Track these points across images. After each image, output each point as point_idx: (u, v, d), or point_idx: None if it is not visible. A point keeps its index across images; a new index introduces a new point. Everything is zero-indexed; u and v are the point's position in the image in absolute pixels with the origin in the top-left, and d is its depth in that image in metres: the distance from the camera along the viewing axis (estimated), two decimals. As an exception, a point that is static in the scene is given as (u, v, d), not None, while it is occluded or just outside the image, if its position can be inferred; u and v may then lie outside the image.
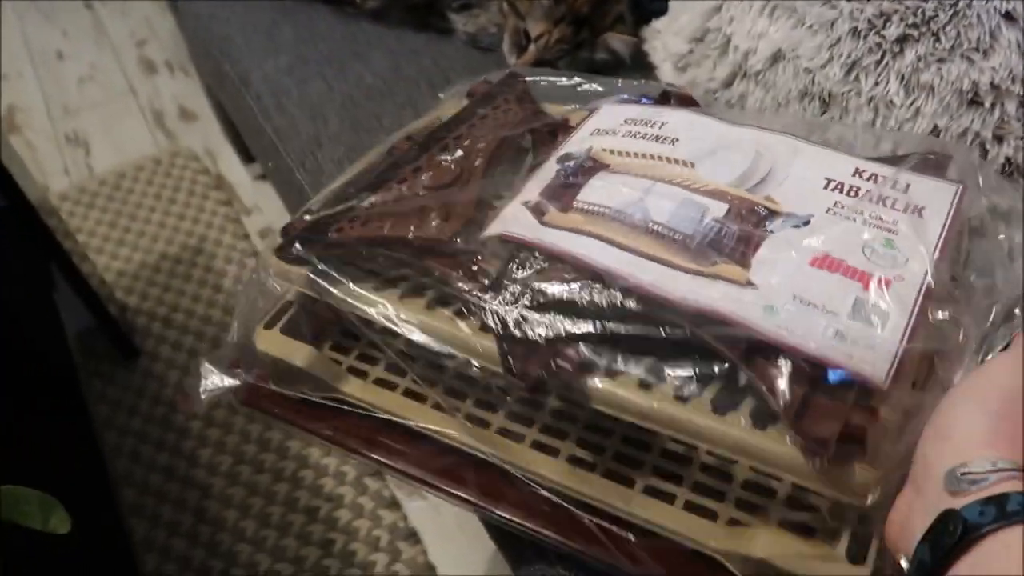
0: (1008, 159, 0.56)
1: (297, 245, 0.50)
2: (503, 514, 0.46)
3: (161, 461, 0.99)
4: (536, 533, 0.45)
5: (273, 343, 0.52)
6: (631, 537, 0.42)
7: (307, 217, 0.52)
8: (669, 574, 0.41)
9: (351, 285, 0.47)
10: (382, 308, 0.47)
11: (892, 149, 0.56)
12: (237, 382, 0.52)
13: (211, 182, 1.39)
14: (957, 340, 0.40)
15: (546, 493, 0.45)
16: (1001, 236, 0.45)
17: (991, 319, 0.41)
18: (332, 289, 0.48)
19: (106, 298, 1.14)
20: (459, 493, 0.48)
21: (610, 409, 0.41)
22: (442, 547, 0.89)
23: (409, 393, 0.50)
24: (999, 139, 0.56)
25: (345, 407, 0.51)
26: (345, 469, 0.95)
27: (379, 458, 0.50)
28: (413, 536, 0.90)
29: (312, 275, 0.48)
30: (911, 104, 0.58)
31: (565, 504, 0.44)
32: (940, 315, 0.41)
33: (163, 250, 1.27)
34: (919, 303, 0.40)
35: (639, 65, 0.81)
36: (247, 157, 1.36)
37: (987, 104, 0.56)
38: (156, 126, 1.56)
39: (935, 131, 0.58)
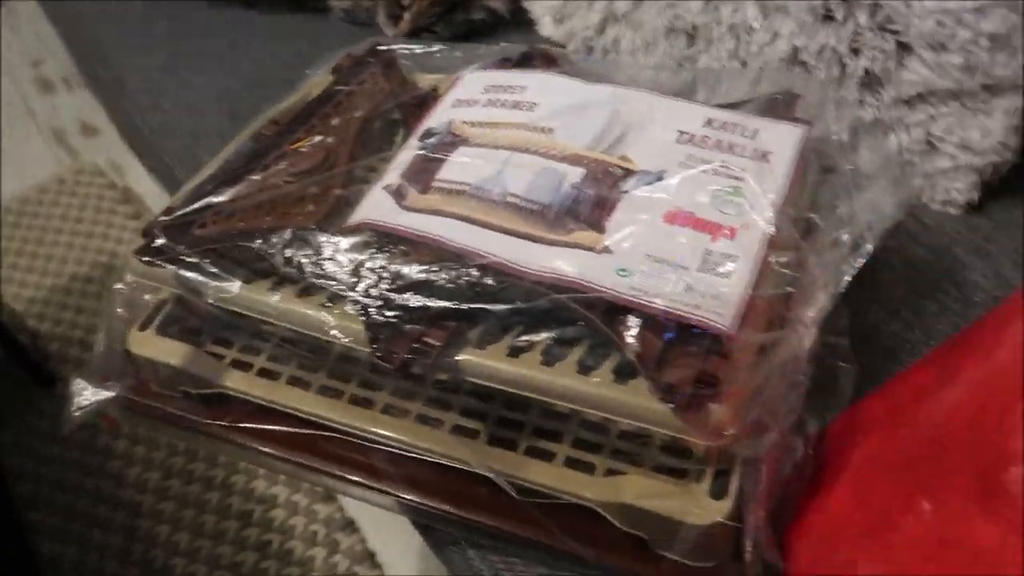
0: (867, 70, 0.57)
1: (159, 243, 0.48)
2: (399, 495, 0.46)
3: (87, 485, 0.96)
4: (433, 509, 0.45)
5: (148, 345, 0.50)
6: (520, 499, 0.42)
7: (167, 216, 0.50)
8: (562, 532, 0.41)
9: (219, 282, 0.46)
10: (253, 301, 0.46)
11: (755, 78, 0.56)
12: (111, 393, 0.51)
13: (118, 196, 1.35)
14: (805, 280, 0.41)
15: (432, 467, 0.44)
16: (849, 167, 0.46)
17: (840, 253, 0.41)
18: (200, 285, 0.47)
19: (16, 328, 1.10)
20: (356, 479, 0.47)
21: (481, 379, 0.42)
22: (380, 534, 0.89)
23: (294, 380, 0.49)
24: (855, 52, 0.57)
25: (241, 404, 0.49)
26: (278, 469, 0.94)
27: (274, 452, 0.49)
28: (350, 526, 0.89)
29: (179, 273, 0.47)
30: (769, 26, 0.58)
31: (454, 475, 0.44)
32: (785, 258, 0.42)
33: (73, 271, 1.23)
34: (763, 250, 0.41)
35: (519, 21, 0.80)
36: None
37: (839, 18, 0.56)
38: (58, 145, 1.51)
39: (794, 51, 0.58)
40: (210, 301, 0.46)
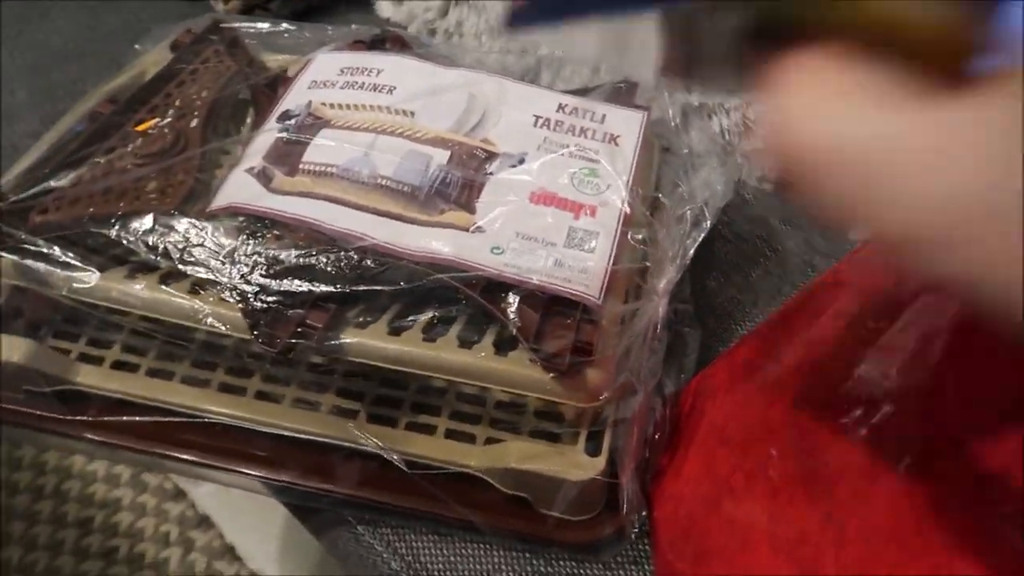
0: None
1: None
2: (278, 478, 0.46)
3: None
4: (318, 491, 0.45)
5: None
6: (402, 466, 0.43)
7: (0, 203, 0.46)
8: (450, 500, 0.43)
9: (72, 272, 0.43)
10: (114, 291, 0.43)
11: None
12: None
13: None
14: (656, 253, 0.45)
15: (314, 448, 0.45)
16: (685, 150, 0.51)
17: (684, 228, 0.46)
18: (49, 276, 0.44)
19: None
20: (232, 467, 0.46)
21: (366, 359, 0.42)
22: (237, 525, 0.86)
23: (155, 372, 0.48)
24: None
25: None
26: (118, 471, 0.88)
27: (138, 447, 0.47)
28: (205, 522, 0.86)
29: (22, 263, 0.44)
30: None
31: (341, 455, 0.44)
32: (638, 235, 0.45)
33: None
34: (619, 226, 0.45)
35: (357, 1, 0.79)
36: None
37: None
38: None
39: (630, 44, 0.62)
40: (63, 293, 0.43)
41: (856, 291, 0.38)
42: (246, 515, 0.85)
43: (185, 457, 0.46)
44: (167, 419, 0.46)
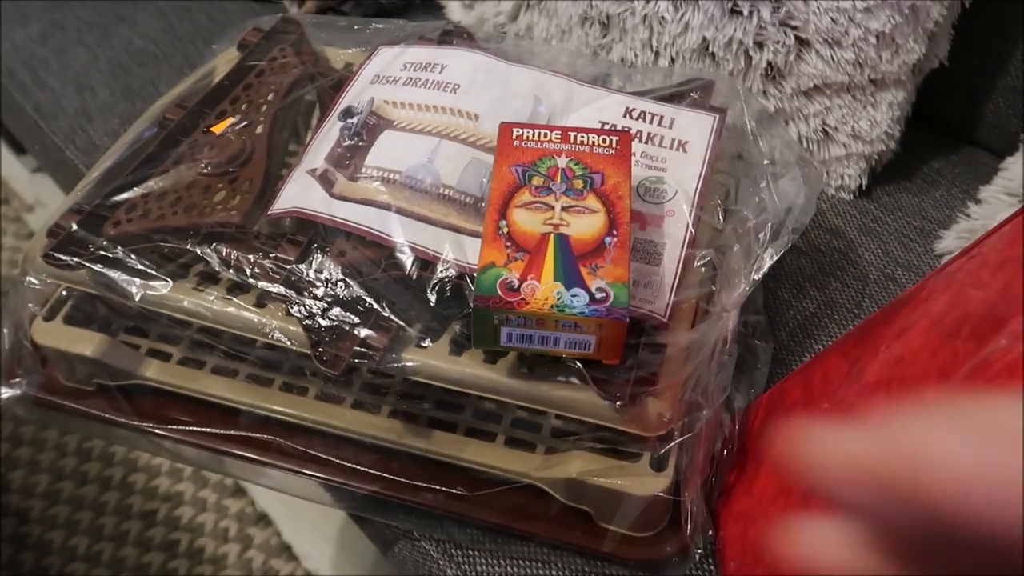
0: (769, 63, 0.60)
1: (69, 244, 0.45)
2: (343, 481, 0.45)
3: (-37, 493, 0.89)
4: (381, 494, 0.44)
5: (56, 336, 0.47)
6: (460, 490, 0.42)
7: (76, 213, 0.47)
8: (508, 508, 0.42)
9: (138, 281, 0.43)
10: (177, 302, 0.43)
11: (667, 72, 0.58)
12: (17, 392, 0.48)
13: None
14: (727, 265, 0.43)
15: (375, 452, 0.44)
16: (766, 161, 0.48)
17: (761, 241, 0.44)
18: (117, 286, 0.43)
19: None
20: (293, 467, 0.46)
21: (426, 379, 0.41)
22: (295, 524, 0.87)
23: (219, 369, 0.48)
24: (759, 45, 0.60)
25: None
26: (180, 465, 0.90)
27: (206, 444, 0.47)
28: (263, 519, 0.87)
29: (98, 273, 0.44)
30: (680, 19, 0.61)
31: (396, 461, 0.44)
32: (709, 246, 0.43)
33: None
34: (687, 237, 0.43)
35: (428, 5, 0.79)
36: (20, 148, 1.22)
37: (745, 12, 0.59)
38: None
39: (704, 43, 0.61)
40: (136, 301, 0.43)
41: (948, 306, 0.35)
42: (303, 516, 0.86)
43: (245, 455, 0.46)
44: (229, 421, 0.46)
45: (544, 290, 0.36)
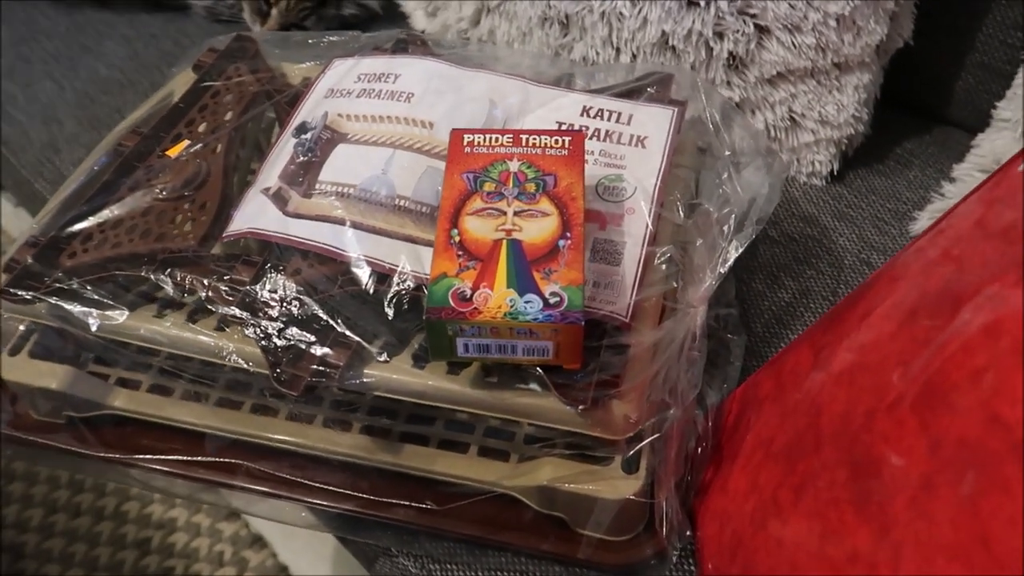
0: (731, 53, 0.60)
1: (25, 279, 0.44)
2: (314, 501, 0.44)
3: (-42, 532, 0.88)
4: (354, 512, 0.44)
5: (21, 370, 0.47)
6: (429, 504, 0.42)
7: (31, 247, 0.46)
8: (483, 519, 0.42)
9: (94, 311, 0.43)
10: (134, 331, 0.43)
11: (629, 68, 0.58)
12: (-15, 428, 0.47)
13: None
14: (691, 260, 0.42)
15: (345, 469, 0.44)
16: (726, 149, 0.48)
17: (726, 233, 0.43)
18: (80, 317, 0.43)
19: None
20: (266, 490, 0.46)
21: (389, 393, 0.41)
22: (290, 546, 0.86)
23: (189, 395, 0.47)
24: (720, 36, 0.60)
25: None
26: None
27: (178, 472, 0.46)
28: (259, 541, 0.86)
29: (55, 306, 0.43)
30: (639, 14, 0.60)
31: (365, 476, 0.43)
32: (671, 241, 0.43)
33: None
34: (647, 235, 0.42)
35: (392, 16, 0.79)
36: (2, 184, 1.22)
37: (703, 4, 0.59)
38: None
39: (663, 36, 0.60)
40: (93, 332, 0.43)
41: (910, 286, 0.34)
42: (298, 536, 0.85)
43: (215, 480, 0.46)
44: (197, 447, 0.46)
45: (497, 298, 0.35)
